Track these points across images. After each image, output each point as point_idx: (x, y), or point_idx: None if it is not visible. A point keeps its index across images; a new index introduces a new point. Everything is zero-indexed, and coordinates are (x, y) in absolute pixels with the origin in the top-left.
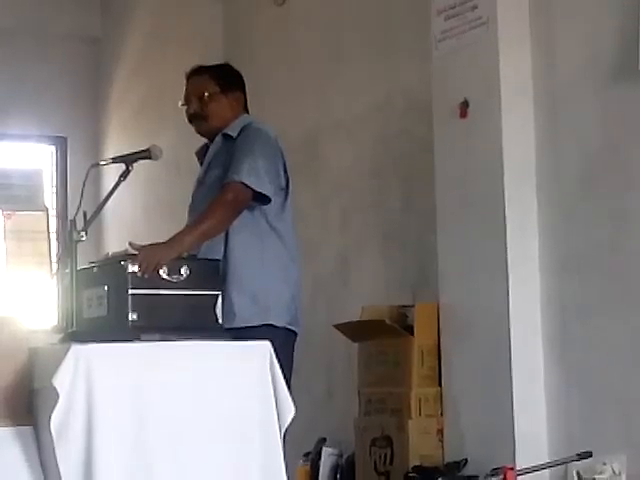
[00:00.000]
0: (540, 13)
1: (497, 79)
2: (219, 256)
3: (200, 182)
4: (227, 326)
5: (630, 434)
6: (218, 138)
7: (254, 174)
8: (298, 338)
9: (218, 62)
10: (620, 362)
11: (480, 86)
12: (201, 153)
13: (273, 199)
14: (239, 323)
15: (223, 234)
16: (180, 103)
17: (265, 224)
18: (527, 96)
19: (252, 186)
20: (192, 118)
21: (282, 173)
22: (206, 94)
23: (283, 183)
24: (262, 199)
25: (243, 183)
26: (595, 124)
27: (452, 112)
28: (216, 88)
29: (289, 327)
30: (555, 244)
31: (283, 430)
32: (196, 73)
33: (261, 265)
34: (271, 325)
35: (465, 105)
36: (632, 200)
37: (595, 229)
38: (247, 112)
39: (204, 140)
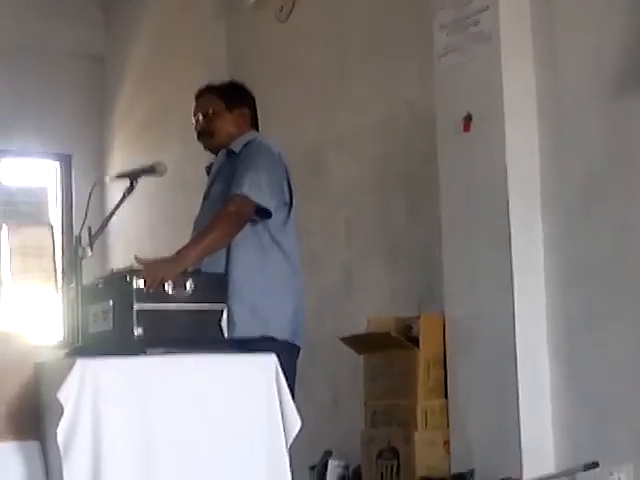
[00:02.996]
0: (542, 27)
1: (500, 93)
2: (221, 269)
3: (205, 197)
4: (228, 337)
5: (637, 444)
6: (222, 153)
7: (256, 188)
8: (304, 350)
9: (221, 79)
10: (626, 373)
11: (483, 100)
12: (209, 168)
13: (275, 213)
14: (239, 334)
15: (225, 248)
16: (193, 122)
17: (268, 238)
18: (530, 109)
19: (254, 199)
20: (199, 135)
21: (286, 188)
22: (210, 111)
23: (287, 198)
24: (263, 213)
25: (245, 196)
26: (598, 136)
27: (455, 126)
28: (221, 105)
29: (290, 340)
30: (560, 256)
31: (289, 443)
32: (203, 92)
33: (263, 278)
34: (272, 338)
35: (468, 119)
36: (636, 212)
37: (600, 241)
38: (256, 129)
39: (209, 156)
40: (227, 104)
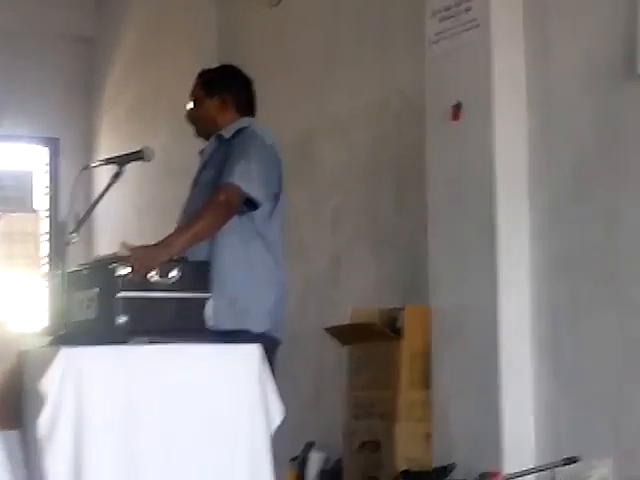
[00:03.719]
0: (534, 15)
1: (490, 81)
2: (204, 258)
3: (195, 183)
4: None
5: (618, 439)
6: (212, 139)
7: (247, 178)
8: (287, 340)
9: (212, 64)
10: (609, 366)
11: (473, 88)
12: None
13: (263, 205)
14: (216, 326)
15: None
16: None
17: (252, 229)
18: (520, 98)
19: (244, 189)
20: (188, 121)
21: (276, 180)
22: (193, 99)
23: (276, 189)
24: (251, 204)
25: (235, 186)
26: (588, 126)
27: (445, 114)
28: (201, 92)
29: (269, 333)
30: (546, 246)
31: (271, 432)
32: (196, 77)
33: (245, 269)
34: (248, 331)
35: (458, 107)
36: (625, 202)
37: (587, 231)
38: (250, 113)
39: (197, 142)
40: (207, 91)
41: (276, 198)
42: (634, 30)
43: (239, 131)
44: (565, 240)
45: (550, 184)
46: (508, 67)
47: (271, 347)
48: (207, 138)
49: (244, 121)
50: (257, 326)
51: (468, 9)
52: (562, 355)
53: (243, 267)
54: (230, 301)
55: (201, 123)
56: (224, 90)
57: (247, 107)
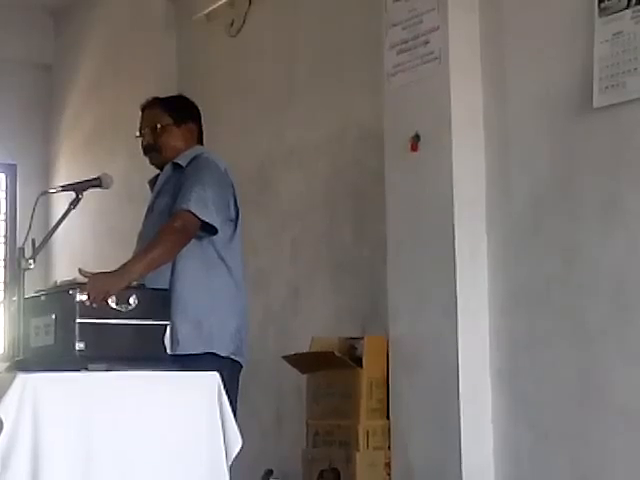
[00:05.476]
0: (491, 48)
1: (448, 113)
2: (166, 284)
3: (150, 210)
4: (170, 353)
5: (577, 471)
6: (168, 167)
7: (202, 204)
8: (247, 368)
9: (171, 92)
10: (568, 395)
11: (431, 120)
12: (153, 182)
13: (221, 230)
14: (182, 350)
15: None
16: (136, 135)
17: (213, 254)
18: (478, 130)
19: (199, 215)
20: (146, 150)
21: (232, 204)
22: (158, 126)
23: (233, 214)
24: (209, 229)
25: (191, 212)
26: (546, 157)
27: (403, 145)
28: (169, 120)
29: (233, 357)
30: (505, 277)
31: (230, 461)
32: (150, 105)
33: (207, 294)
34: (215, 354)
35: (416, 139)
36: (582, 234)
37: (545, 262)
38: (201, 143)
39: (155, 169)
40: (175, 119)
41: (235, 223)
42: (590, 64)
43: (193, 158)
44: (523, 271)
45: (508, 216)
46: (466, 99)
47: (235, 371)
48: (162, 167)
49: (197, 149)
50: (222, 349)
51: (426, 42)
52: (521, 386)
53: (205, 292)
54: (195, 325)
55: (165, 151)
56: (190, 119)
57: (201, 136)
